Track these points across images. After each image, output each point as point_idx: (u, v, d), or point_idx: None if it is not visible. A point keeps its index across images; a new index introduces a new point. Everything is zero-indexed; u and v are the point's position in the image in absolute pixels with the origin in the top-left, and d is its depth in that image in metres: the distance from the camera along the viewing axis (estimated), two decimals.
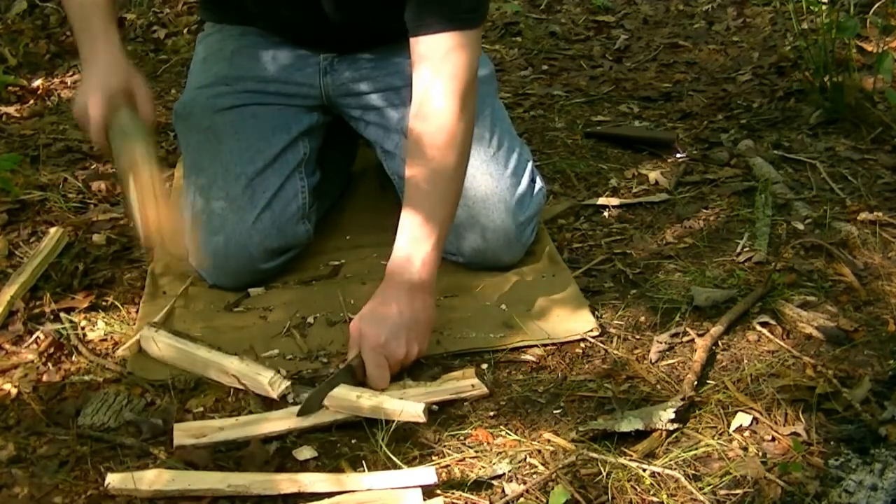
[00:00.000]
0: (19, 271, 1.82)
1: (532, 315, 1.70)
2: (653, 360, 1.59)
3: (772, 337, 1.64)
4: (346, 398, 1.45)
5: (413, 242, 1.57)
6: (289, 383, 1.50)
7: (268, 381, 1.50)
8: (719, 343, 1.63)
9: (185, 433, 1.42)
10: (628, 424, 1.41)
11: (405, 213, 1.59)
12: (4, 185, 2.09)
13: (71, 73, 3.03)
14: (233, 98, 1.87)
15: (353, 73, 1.90)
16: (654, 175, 2.23)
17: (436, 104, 1.59)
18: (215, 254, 1.77)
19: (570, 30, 3.32)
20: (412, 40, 1.61)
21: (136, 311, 1.75)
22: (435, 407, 1.45)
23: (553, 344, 1.63)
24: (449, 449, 1.40)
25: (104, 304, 1.77)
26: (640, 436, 1.41)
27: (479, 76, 1.67)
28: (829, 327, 1.64)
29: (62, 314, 1.73)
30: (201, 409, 1.50)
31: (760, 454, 1.38)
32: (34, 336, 1.68)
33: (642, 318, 1.70)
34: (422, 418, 1.41)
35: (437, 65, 1.59)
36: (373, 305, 1.57)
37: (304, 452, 1.40)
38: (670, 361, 1.59)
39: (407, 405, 1.43)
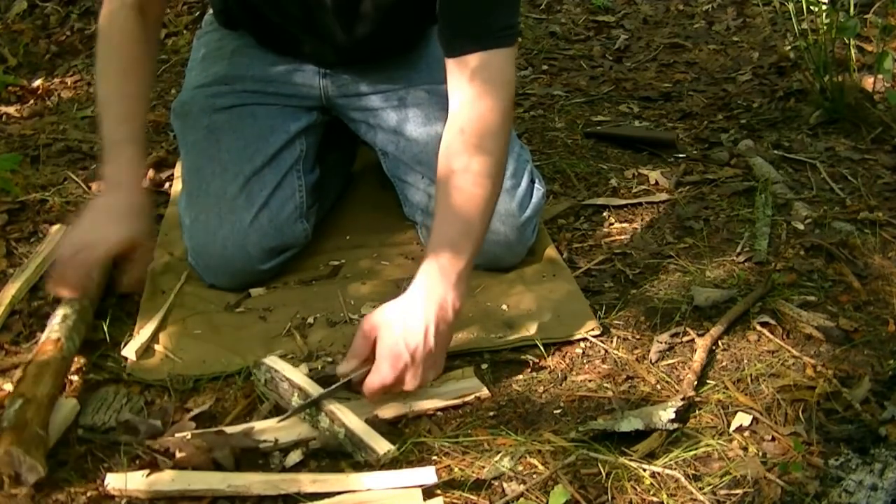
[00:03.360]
0: (21, 269, 1.82)
1: (532, 315, 1.70)
2: (653, 360, 1.59)
3: (772, 337, 1.64)
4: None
5: (453, 249, 1.48)
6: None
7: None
8: (719, 343, 1.63)
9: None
10: (628, 424, 1.41)
11: (442, 218, 1.51)
12: (4, 185, 2.09)
13: (71, 73, 3.03)
14: (232, 98, 1.88)
15: (352, 75, 1.90)
16: (654, 175, 2.23)
17: (474, 125, 1.52)
18: (213, 254, 1.77)
19: (570, 30, 3.32)
20: (448, 62, 1.56)
21: (136, 311, 1.75)
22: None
23: (553, 344, 1.63)
24: (449, 449, 1.40)
25: (104, 303, 1.77)
26: (640, 436, 1.41)
27: None
28: (829, 327, 1.64)
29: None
30: (201, 408, 1.50)
31: (760, 454, 1.38)
32: (34, 336, 1.68)
33: (642, 318, 1.70)
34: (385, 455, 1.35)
35: (476, 85, 1.53)
36: (399, 312, 1.44)
37: (300, 455, 1.40)
38: (670, 361, 1.59)
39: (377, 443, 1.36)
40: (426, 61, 1.86)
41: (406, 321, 1.43)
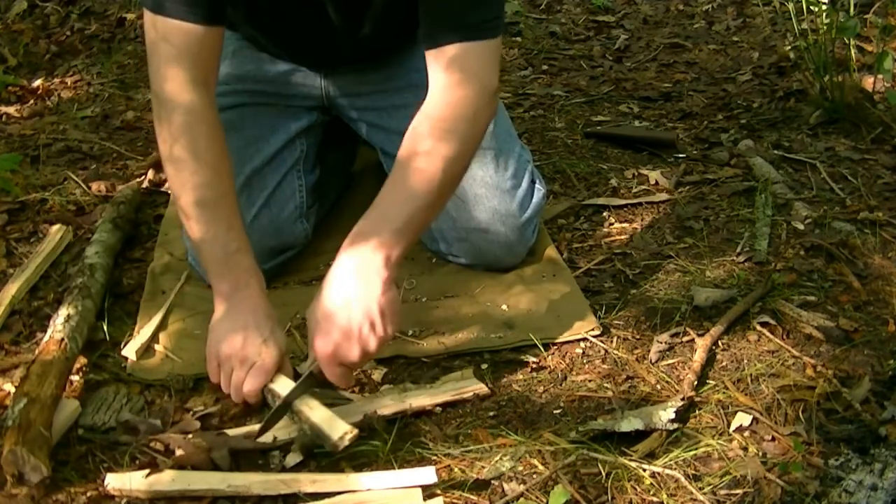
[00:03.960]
0: (21, 269, 1.83)
1: (532, 315, 1.70)
2: (653, 360, 1.59)
3: (772, 337, 1.63)
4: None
5: (381, 221, 1.44)
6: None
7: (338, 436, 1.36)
8: (719, 343, 1.62)
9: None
10: (628, 424, 1.41)
11: (382, 194, 1.47)
12: (4, 185, 2.09)
13: (71, 73, 3.03)
14: (232, 98, 1.87)
15: (354, 76, 1.90)
16: (654, 175, 2.23)
17: (444, 111, 1.49)
18: None
19: (570, 30, 3.32)
20: (426, 53, 1.53)
21: (136, 311, 1.75)
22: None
23: (553, 344, 1.63)
24: (449, 449, 1.40)
25: (104, 302, 1.77)
26: (640, 436, 1.41)
27: None
28: (829, 327, 1.64)
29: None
30: (201, 408, 1.50)
31: (760, 454, 1.38)
32: (34, 336, 1.68)
33: (642, 318, 1.70)
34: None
35: (451, 75, 1.50)
36: (319, 299, 1.41)
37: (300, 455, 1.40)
38: (670, 361, 1.59)
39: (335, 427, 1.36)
40: (417, 61, 1.86)
41: (326, 308, 1.40)
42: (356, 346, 1.39)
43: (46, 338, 1.54)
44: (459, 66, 1.49)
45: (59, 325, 1.56)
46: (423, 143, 1.48)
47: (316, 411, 1.39)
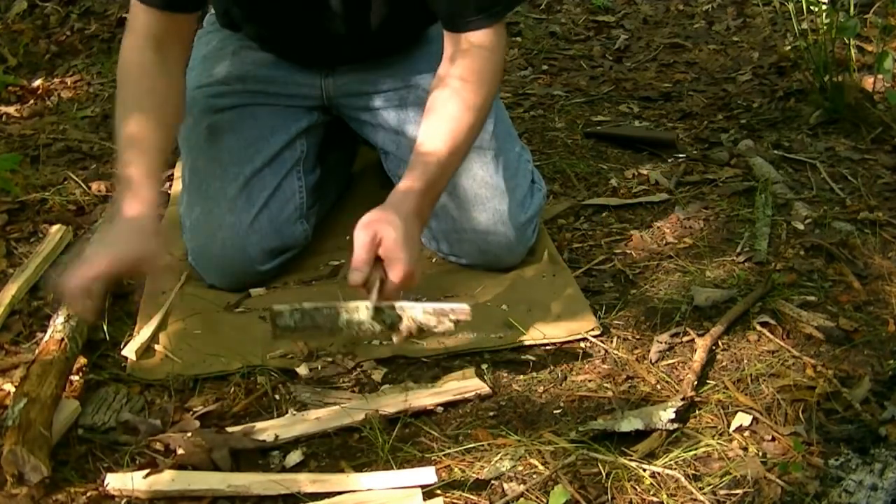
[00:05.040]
0: (21, 269, 1.82)
1: (532, 315, 1.70)
2: (653, 360, 1.59)
3: (772, 337, 1.63)
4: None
5: (415, 180, 1.57)
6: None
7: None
8: (719, 343, 1.62)
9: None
10: (628, 424, 1.41)
11: (415, 154, 1.60)
12: (4, 185, 2.09)
13: (71, 73, 3.03)
14: (233, 98, 1.87)
15: (354, 75, 1.90)
16: (654, 175, 2.23)
17: (460, 91, 1.62)
18: (213, 255, 1.77)
19: (570, 30, 3.32)
20: (448, 34, 1.64)
21: (136, 311, 1.75)
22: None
23: (553, 344, 1.63)
24: (449, 449, 1.40)
25: (104, 303, 1.77)
26: (640, 436, 1.41)
27: None
28: (829, 327, 1.64)
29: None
30: (201, 408, 1.50)
31: (760, 454, 1.38)
32: (34, 336, 1.68)
33: (642, 318, 1.70)
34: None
35: (465, 57, 1.62)
36: (399, 231, 1.50)
37: (300, 455, 1.40)
38: (670, 361, 1.59)
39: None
40: (427, 60, 1.86)
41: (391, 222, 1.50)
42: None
43: (46, 338, 1.54)
44: (483, 46, 1.62)
45: (58, 325, 1.56)
46: (450, 86, 1.62)
47: (417, 305, 1.49)
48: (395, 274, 1.48)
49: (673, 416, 1.42)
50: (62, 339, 1.52)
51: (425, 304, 1.49)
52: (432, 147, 1.60)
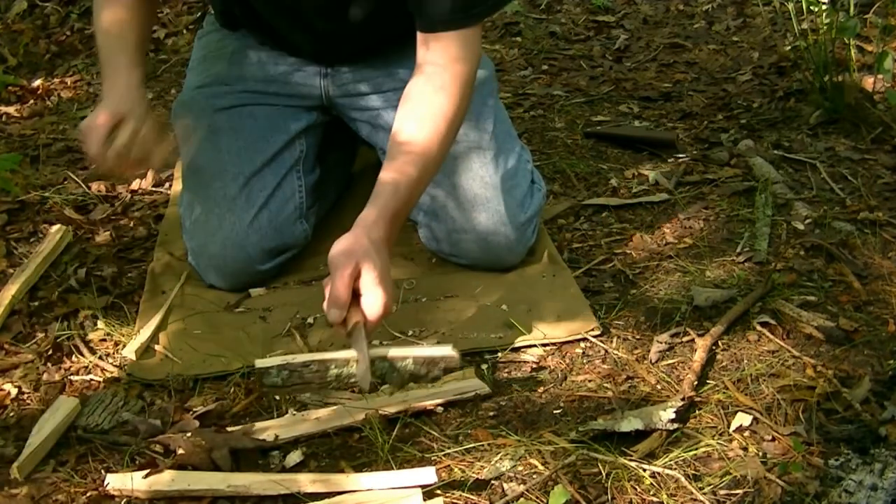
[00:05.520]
0: (21, 269, 1.83)
1: (532, 315, 1.70)
2: (653, 360, 1.59)
3: (772, 337, 1.63)
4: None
5: (383, 209, 1.54)
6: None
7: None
8: (719, 343, 1.62)
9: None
10: (628, 424, 1.41)
11: (382, 181, 1.56)
12: (4, 185, 2.09)
13: (71, 73, 3.04)
14: (232, 98, 1.87)
15: (353, 75, 1.90)
16: (654, 175, 2.23)
17: (432, 96, 1.60)
18: (213, 255, 1.77)
19: (570, 30, 3.32)
20: (421, 35, 1.62)
21: (136, 311, 1.75)
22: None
23: (553, 344, 1.63)
24: (449, 449, 1.40)
25: (104, 303, 1.77)
26: (640, 436, 1.41)
27: (479, 77, 1.68)
28: (829, 327, 1.64)
29: (62, 314, 1.74)
30: (201, 408, 1.50)
31: (760, 454, 1.38)
32: (34, 336, 1.68)
33: (642, 318, 1.70)
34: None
35: (439, 61, 1.60)
36: (376, 265, 1.47)
37: (300, 455, 1.40)
38: (670, 361, 1.59)
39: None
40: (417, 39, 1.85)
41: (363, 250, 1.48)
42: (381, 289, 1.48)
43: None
44: (456, 50, 1.60)
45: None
46: (414, 125, 1.59)
47: (410, 350, 1.53)
48: (374, 312, 1.45)
49: (673, 416, 1.42)
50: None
51: (414, 351, 1.52)
52: (401, 170, 1.56)
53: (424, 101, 1.60)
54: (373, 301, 1.45)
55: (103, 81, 1.68)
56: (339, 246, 1.48)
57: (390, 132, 1.87)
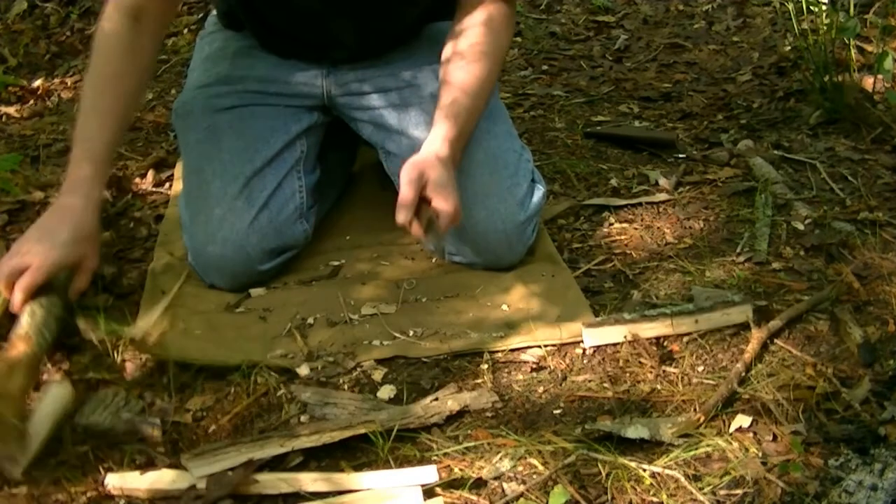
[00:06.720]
0: None
1: (532, 315, 1.70)
2: (653, 361, 1.59)
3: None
4: None
5: (452, 127, 1.69)
6: None
7: None
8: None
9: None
10: (634, 431, 1.40)
11: (442, 106, 1.71)
12: (4, 185, 2.09)
13: (71, 73, 3.04)
14: (233, 98, 1.88)
15: (355, 74, 1.90)
16: (654, 175, 2.23)
17: (480, 39, 1.74)
18: (213, 255, 1.77)
19: (570, 30, 3.32)
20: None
21: (136, 311, 1.75)
22: None
23: (553, 344, 1.63)
24: (449, 449, 1.40)
25: (104, 303, 1.77)
26: (643, 443, 1.40)
27: None
28: (830, 327, 1.64)
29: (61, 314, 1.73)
30: (201, 408, 1.50)
31: (760, 454, 1.38)
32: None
33: None
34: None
35: (484, 25, 1.74)
36: (443, 167, 1.62)
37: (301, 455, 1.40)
38: (671, 361, 1.59)
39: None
40: (427, 59, 1.86)
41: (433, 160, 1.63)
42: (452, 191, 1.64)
43: (13, 336, 1.52)
44: (490, 20, 1.75)
45: (23, 324, 1.54)
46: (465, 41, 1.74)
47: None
48: (448, 205, 1.59)
49: (681, 435, 1.40)
50: (27, 335, 1.50)
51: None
52: (459, 93, 1.70)
53: (478, 36, 1.74)
54: (442, 202, 1.59)
55: (70, 161, 1.69)
56: (410, 160, 1.62)
57: (391, 132, 1.88)
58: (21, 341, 1.50)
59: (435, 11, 1.88)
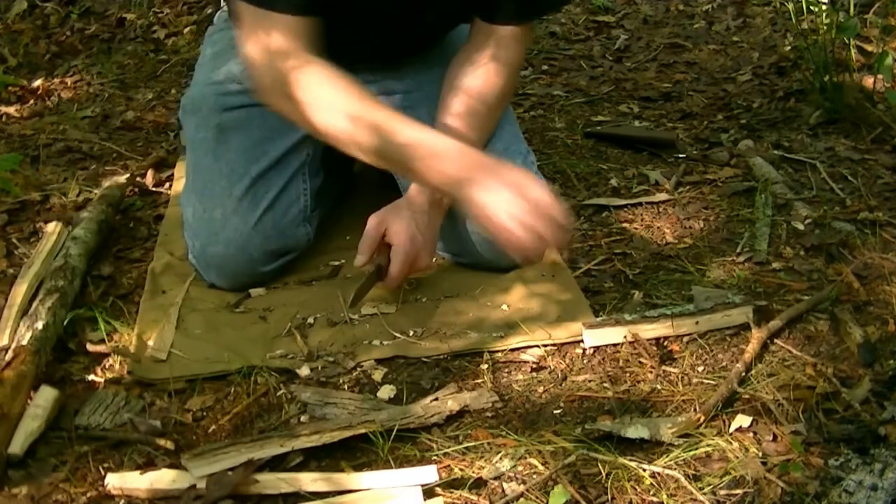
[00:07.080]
0: (27, 267, 1.81)
1: (532, 315, 1.70)
2: (654, 361, 1.59)
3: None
4: None
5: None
6: None
7: None
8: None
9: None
10: (635, 431, 1.40)
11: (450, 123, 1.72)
12: (4, 185, 2.09)
13: (71, 73, 3.04)
14: (242, 97, 1.87)
15: (363, 76, 1.89)
16: (654, 175, 2.23)
17: (489, 74, 1.75)
18: (215, 255, 1.77)
19: (570, 30, 3.32)
20: (479, 22, 1.78)
21: (136, 311, 1.75)
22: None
23: (553, 344, 1.63)
24: (449, 449, 1.40)
25: (104, 303, 1.77)
26: (643, 442, 1.40)
27: None
28: (830, 327, 1.64)
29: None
30: (201, 408, 1.50)
31: (760, 454, 1.38)
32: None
33: None
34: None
35: (500, 51, 1.76)
36: (396, 207, 1.70)
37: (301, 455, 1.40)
38: (671, 361, 1.59)
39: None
40: (440, 63, 1.85)
41: (405, 212, 1.70)
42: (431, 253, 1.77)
43: (14, 344, 1.54)
44: (509, 45, 1.77)
45: (36, 331, 1.55)
46: (473, 97, 1.75)
47: None
48: (394, 263, 1.68)
49: (681, 435, 1.40)
50: (37, 351, 1.52)
51: None
52: (458, 122, 1.72)
53: (480, 68, 1.77)
54: (395, 253, 1.68)
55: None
56: (377, 212, 1.71)
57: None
58: (25, 353, 1.50)
59: (453, 24, 1.89)
